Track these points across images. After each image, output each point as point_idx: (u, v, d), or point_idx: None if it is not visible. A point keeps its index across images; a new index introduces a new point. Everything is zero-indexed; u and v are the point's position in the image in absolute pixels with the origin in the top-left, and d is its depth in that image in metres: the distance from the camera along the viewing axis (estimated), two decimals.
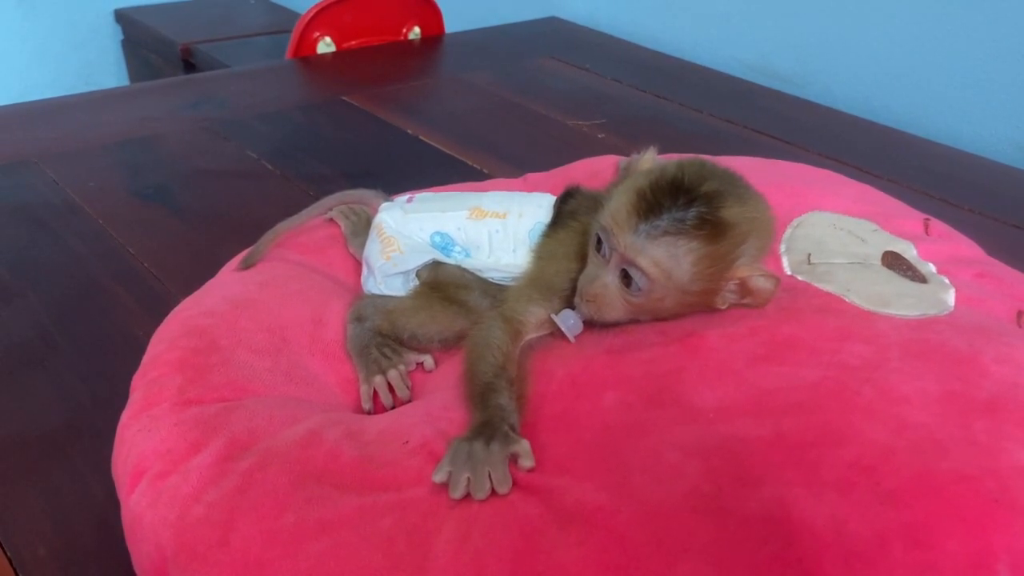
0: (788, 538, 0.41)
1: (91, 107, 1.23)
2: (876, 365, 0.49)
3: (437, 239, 0.62)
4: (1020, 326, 0.57)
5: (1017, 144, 1.13)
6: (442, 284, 0.61)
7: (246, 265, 0.67)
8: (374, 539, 0.43)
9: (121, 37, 2.33)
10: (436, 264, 0.62)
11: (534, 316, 0.56)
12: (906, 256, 0.62)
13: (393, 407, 0.57)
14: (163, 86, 1.40)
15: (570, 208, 0.61)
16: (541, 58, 1.44)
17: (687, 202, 0.49)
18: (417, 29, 1.54)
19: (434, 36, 1.56)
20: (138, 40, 2.26)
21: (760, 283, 0.52)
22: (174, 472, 0.49)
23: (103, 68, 2.33)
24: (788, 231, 0.64)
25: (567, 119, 1.20)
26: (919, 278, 0.59)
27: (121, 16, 2.29)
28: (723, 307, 0.54)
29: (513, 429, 0.48)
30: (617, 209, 0.51)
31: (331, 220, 0.74)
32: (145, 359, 0.58)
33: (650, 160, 0.56)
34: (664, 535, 0.41)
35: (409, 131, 1.14)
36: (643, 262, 0.50)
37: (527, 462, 0.46)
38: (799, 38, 1.34)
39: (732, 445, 0.45)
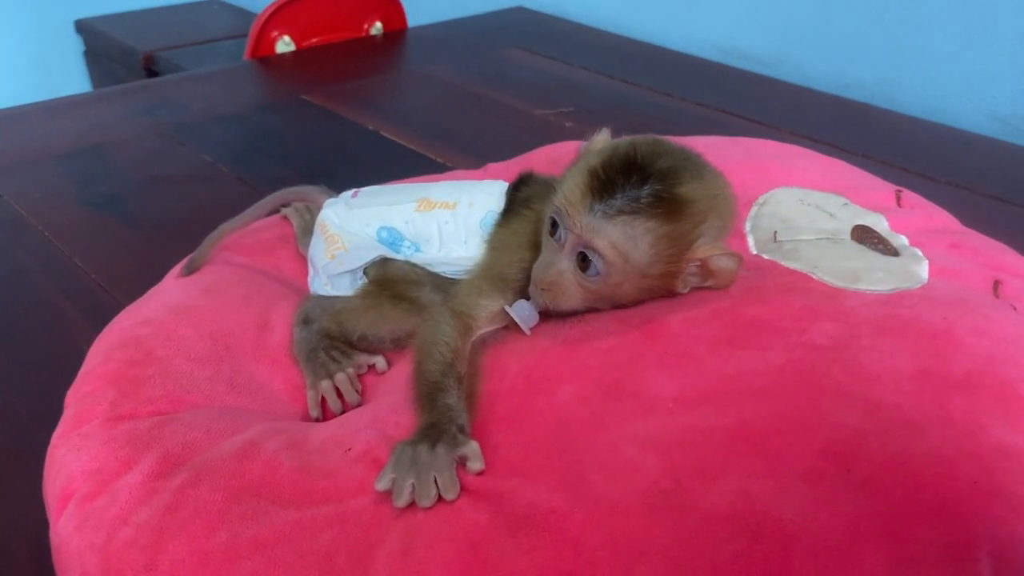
0: (753, 534, 0.38)
1: (41, 117, 1.19)
2: (845, 345, 0.46)
3: (384, 234, 0.59)
4: (997, 296, 0.54)
5: (992, 114, 1.10)
6: (391, 281, 0.58)
7: (189, 270, 0.64)
8: (311, 556, 0.40)
9: (83, 48, 2.29)
10: (384, 260, 0.59)
11: (485, 309, 0.53)
12: (877, 229, 0.59)
13: (344, 413, 0.54)
14: (117, 92, 1.36)
15: (523, 195, 0.58)
16: (507, 49, 1.41)
17: (641, 180, 0.47)
18: (379, 24, 1.50)
19: (397, 31, 1.52)
20: (100, 50, 2.21)
21: (722, 263, 0.49)
22: (103, 493, 0.45)
23: (66, 79, 2.27)
24: (754, 209, 0.61)
25: (534, 109, 1.17)
26: (891, 251, 0.56)
27: (82, 26, 2.24)
28: (684, 291, 0.51)
29: (462, 430, 0.45)
30: (571, 189, 0.49)
31: (284, 219, 0.71)
32: (79, 374, 0.55)
33: (603, 141, 0.53)
34: (620, 537, 0.38)
35: (370, 127, 1.11)
36: (600, 243, 0.47)
37: (476, 464, 0.43)
38: (768, 18, 1.31)
39: (692, 436, 0.42)
